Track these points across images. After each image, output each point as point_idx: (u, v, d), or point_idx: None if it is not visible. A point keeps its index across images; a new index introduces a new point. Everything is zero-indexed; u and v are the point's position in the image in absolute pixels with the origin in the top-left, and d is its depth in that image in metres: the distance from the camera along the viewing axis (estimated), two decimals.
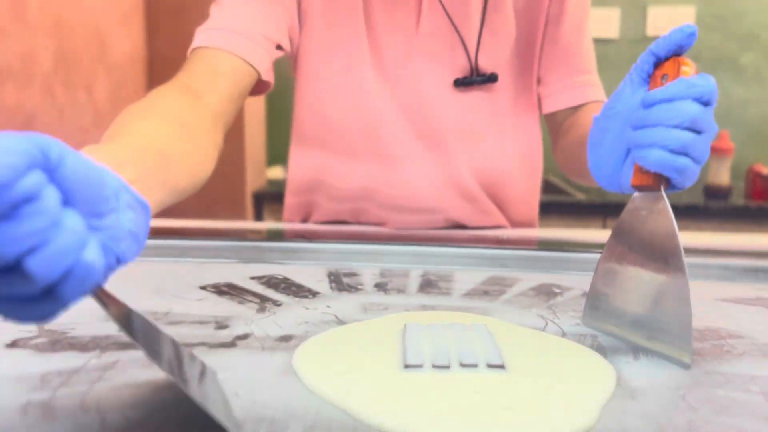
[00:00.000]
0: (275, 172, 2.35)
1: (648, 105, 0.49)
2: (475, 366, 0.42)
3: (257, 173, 2.17)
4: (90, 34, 1.78)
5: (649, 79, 0.53)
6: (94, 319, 0.52)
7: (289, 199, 1.02)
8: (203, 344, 0.47)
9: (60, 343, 0.47)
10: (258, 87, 0.82)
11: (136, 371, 0.42)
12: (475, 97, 0.92)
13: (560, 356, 0.47)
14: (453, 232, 0.94)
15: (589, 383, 0.41)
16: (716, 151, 2.05)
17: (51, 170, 0.28)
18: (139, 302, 0.58)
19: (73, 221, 0.29)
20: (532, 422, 0.36)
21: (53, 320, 0.32)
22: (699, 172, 0.51)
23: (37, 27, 1.56)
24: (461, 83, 0.91)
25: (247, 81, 0.78)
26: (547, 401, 0.39)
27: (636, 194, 0.52)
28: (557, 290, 0.66)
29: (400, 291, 0.64)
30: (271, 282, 0.66)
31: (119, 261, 0.34)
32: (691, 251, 0.79)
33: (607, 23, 2.27)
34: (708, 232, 1.48)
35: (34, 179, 0.27)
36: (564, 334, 0.52)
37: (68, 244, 0.28)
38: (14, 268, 0.28)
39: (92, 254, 0.30)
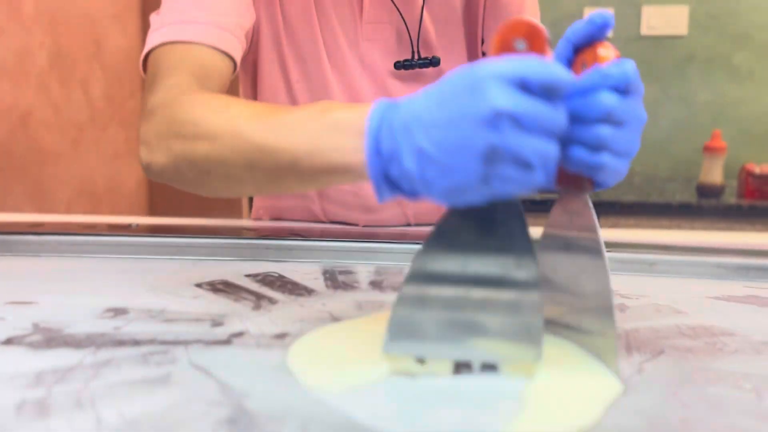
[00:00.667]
0: None
1: (567, 98, 0.44)
2: (468, 366, 0.43)
3: None
4: (85, 31, 1.78)
5: (571, 67, 0.48)
6: (89, 317, 0.52)
7: (257, 203, 1.04)
8: (199, 341, 0.47)
9: (55, 341, 0.47)
10: None
11: (131, 368, 0.42)
12: (422, 84, 0.91)
13: (558, 356, 0.47)
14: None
15: (584, 382, 0.42)
16: (709, 150, 2.06)
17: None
18: (134, 299, 0.58)
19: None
20: (529, 420, 0.36)
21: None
22: (627, 168, 0.46)
23: (33, 24, 1.55)
24: (401, 66, 0.90)
25: (228, 71, 0.75)
26: (543, 401, 0.39)
27: (562, 193, 0.49)
28: None
29: (395, 289, 0.64)
30: (266, 280, 0.66)
31: None
32: (684, 249, 0.80)
33: None
34: (700, 231, 1.49)
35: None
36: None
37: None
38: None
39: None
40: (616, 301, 0.62)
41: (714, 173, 2.05)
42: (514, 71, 0.38)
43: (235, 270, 0.70)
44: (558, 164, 0.44)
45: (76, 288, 0.62)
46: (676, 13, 2.28)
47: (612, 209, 1.99)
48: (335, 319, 0.54)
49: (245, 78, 0.96)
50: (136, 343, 0.47)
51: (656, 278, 0.72)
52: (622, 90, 0.43)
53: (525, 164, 0.38)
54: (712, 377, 0.43)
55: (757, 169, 2.03)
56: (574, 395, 0.40)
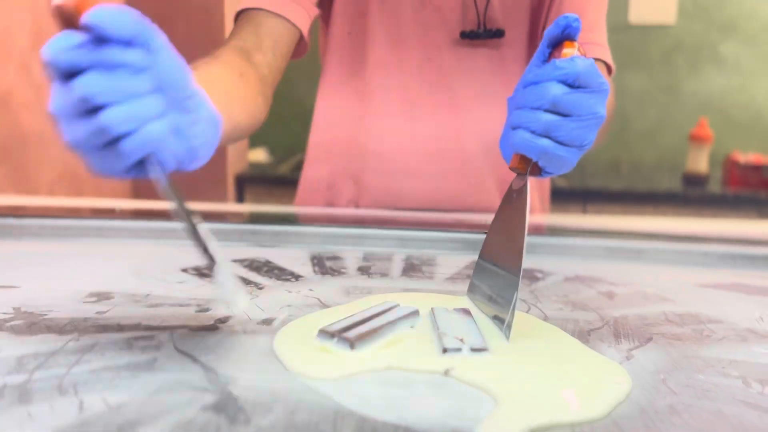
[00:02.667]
0: (257, 155, 2.33)
1: (523, 87, 0.49)
2: (458, 350, 0.42)
3: (239, 156, 2.14)
4: None
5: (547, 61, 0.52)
6: (72, 302, 0.51)
7: (313, 172, 0.99)
8: (184, 327, 0.47)
9: (37, 326, 0.46)
10: (297, 49, 0.83)
11: (114, 354, 0.41)
12: (483, 54, 0.91)
13: (547, 340, 0.47)
14: (436, 216, 0.94)
15: (571, 366, 0.42)
16: (695, 139, 2.07)
17: (153, 51, 0.37)
18: (119, 284, 0.57)
19: (155, 98, 0.37)
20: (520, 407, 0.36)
21: (131, 176, 0.39)
22: (574, 158, 0.49)
23: (13, 3, 1.52)
24: (466, 36, 0.89)
25: (290, 39, 0.80)
26: (533, 387, 0.39)
27: (514, 177, 0.52)
28: (539, 275, 0.66)
29: (384, 275, 0.64)
30: (253, 265, 0.66)
31: (191, 155, 0.41)
32: (671, 238, 0.80)
33: None
34: (686, 219, 1.50)
35: (138, 53, 0.36)
36: (546, 318, 0.52)
37: (143, 108, 0.36)
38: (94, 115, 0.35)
39: (160, 126, 0.37)
40: (604, 288, 0.62)
41: (700, 162, 2.07)
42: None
43: (222, 255, 0.69)
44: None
45: (59, 272, 0.61)
46: (664, 2, 2.28)
47: (598, 197, 2.00)
48: (323, 304, 0.54)
49: (323, 25, 0.98)
50: (120, 328, 0.46)
51: (643, 266, 0.72)
52: (571, 83, 0.46)
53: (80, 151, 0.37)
54: (700, 364, 0.44)
55: (742, 159, 2.04)
56: (569, 387, 0.40)
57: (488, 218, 0.94)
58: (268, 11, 0.78)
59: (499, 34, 0.90)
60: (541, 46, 0.50)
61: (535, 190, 1.00)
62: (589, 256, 0.75)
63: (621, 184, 2.04)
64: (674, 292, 0.61)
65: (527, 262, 0.71)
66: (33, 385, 0.36)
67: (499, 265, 0.50)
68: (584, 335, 0.48)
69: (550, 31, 0.49)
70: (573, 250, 0.76)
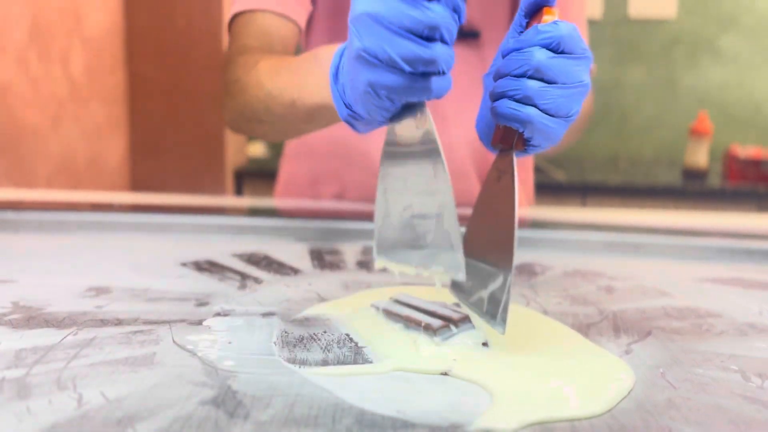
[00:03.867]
0: (256, 150, 2.33)
1: (503, 55, 0.47)
2: (457, 344, 0.42)
3: (238, 150, 2.14)
4: (65, 5, 1.74)
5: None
6: (70, 296, 0.51)
7: (293, 168, 0.98)
8: (183, 321, 0.47)
9: (35, 320, 0.46)
10: None
11: (113, 348, 0.41)
12: (462, 55, 0.88)
13: (549, 335, 0.47)
14: None
15: (572, 361, 0.42)
16: (695, 133, 2.07)
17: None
18: (118, 278, 0.57)
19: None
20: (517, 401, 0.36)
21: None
22: (561, 130, 0.46)
23: None
24: (462, 35, 0.88)
25: (295, 37, 0.80)
26: (533, 383, 0.39)
27: (498, 152, 0.48)
28: (538, 269, 0.66)
29: (383, 269, 0.64)
30: (252, 259, 0.66)
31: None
32: (670, 232, 0.80)
33: (590, 4, 2.26)
34: (686, 213, 1.50)
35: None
36: (546, 313, 0.52)
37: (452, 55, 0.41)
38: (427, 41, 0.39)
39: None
40: (603, 282, 0.62)
41: (699, 156, 2.06)
42: None
43: (221, 249, 0.69)
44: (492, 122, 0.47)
45: (57, 266, 0.61)
46: None
47: (597, 191, 2.00)
48: (322, 299, 0.54)
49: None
50: (119, 322, 0.46)
51: (643, 260, 0.72)
52: (554, 48, 0.44)
53: (391, 65, 0.40)
54: (699, 358, 0.44)
55: (741, 153, 2.04)
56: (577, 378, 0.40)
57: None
58: (268, 11, 0.77)
59: (473, 35, 0.89)
60: (517, 17, 0.48)
61: (519, 184, 1.00)
62: (588, 251, 0.75)
63: (620, 178, 2.04)
64: (673, 286, 0.61)
65: (525, 256, 0.71)
66: (32, 380, 0.36)
67: (486, 259, 0.46)
68: (583, 329, 0.48)
69: (526, 1, 0.47)
70: (572, 244, 0.76)
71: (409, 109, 0.43)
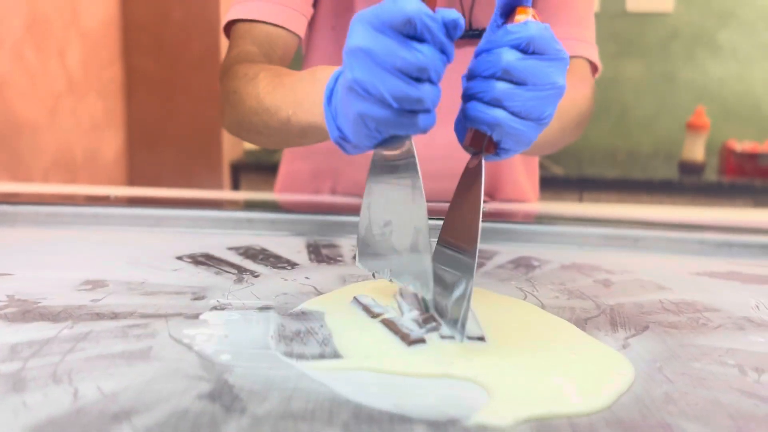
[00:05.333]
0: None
1: (475, 55, 0.46)
2: (453, 338, 0.42)
3: (234, 143, 2.14)
4: None
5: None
6: (66, 289, 0.51)
7: (293, 167, 0.98)
8: (180, 315, 0.46)
9: (31, 313, 0.45)
10: None
11: (109, 342, 0.41)
12: (469, 54, 0.89)
13: (552, 331, 0.47)
14: (431, 205, 0.93)
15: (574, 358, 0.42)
16: (692, 128, 2.07)
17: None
18: (114, 271, 0.56)
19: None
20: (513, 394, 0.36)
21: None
22: (532, 133, 0.45)
23: None
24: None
25: (293, 46, 0.82)
26: (531, 377, 0.39)
27: (470, 153, 0.48)
28: (536, 263, 0.66)
29: None
30: (248, 253, 0.65)
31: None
32: (668, 226, 0.80)
33: None
34: (682, 207, 1.50)
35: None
36: (543, 307, 0.52)
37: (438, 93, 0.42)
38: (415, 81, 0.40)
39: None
40: (601, 276, 0.62)
41: (696, 150, 2.06)
42: (372, 13, 0.41)
43: (217, 243, 0.69)
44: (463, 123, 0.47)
45: (53, 260, 0.61)
46: None
47: (595, 185, 2.00)
48: (318, 292, 0.53)
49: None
50: (115, 316, 0.46)
51: (640, 254, 0.72)
52: (524, 49, 0.43)
53: (381, 100, 0.41)
54: (696, 353, 0.44)
55: (738, 147, 2.04)
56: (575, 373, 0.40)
57: (482, 206, 0.94)
58: (268, 23, 0.78)
59: (479, 34, 0.86)
60: (494, 16, 0.47)
61: (526, 178, 1.00)
62: (586, 244, 0.75)
63: (617, 172, 2.04)
64: (670, 280, 0.61)
65: (522, 250, 0.71)
66: (27, 374, 0.36)
67: (451, 264, 0.45)
68: (581, 323, 0.48)
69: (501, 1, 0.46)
70: (569, 238, 0.76)
71: (395, 138, 0.44)
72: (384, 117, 0.41)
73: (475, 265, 0.43)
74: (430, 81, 0.41)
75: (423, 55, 0.40)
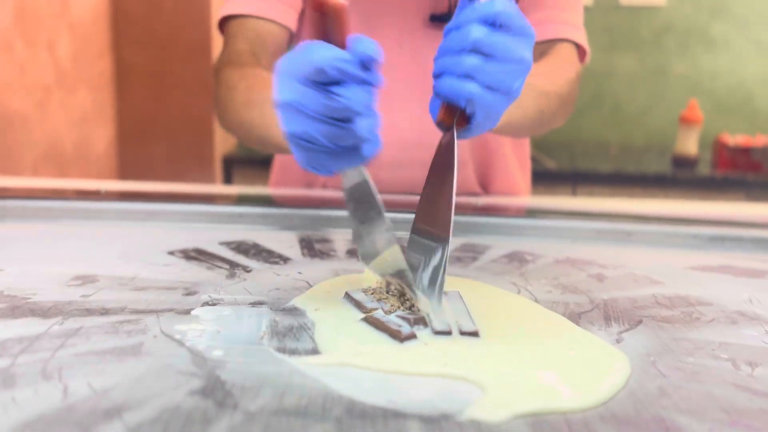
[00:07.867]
0: None
1: (445, 34, 0.48)
2: (448, 333, 0.42)
3: (226, 136, 2.13)
4: None
5: None
6: (56, 285, 0.51)
7: (286, 159, 0.97)
8: (171, 310, 0.46)
9: (20, 309, 0.45)
10: None
11: (100, 338, 0.41)
12: (434, 40, 0.87)
13: (539, 323, 0.47)
14: (402, 198, 0.93)
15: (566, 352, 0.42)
16: (685, 121, 2.07)
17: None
18: (104, 267, 0.56)
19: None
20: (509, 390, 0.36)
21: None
22: (501, 106, 0.47)
23: None
24: (437, 19, 0.86)
25: (285, 39, 0.83)
26: (527, 372, 0.39)
27: (443, 134, 0.49)
28: (529, 257, 0.66)
29: None
30: (241, 247, 0.65)
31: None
32: (660, 220, 0.80)
33: None
34: (675, 201, 1.50)
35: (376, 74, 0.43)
36: (537, 301, 0.52)
37: (377, 122, 0.43)
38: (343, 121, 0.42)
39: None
40: (594, 270, 0.62)
41: (689, 144, 2.07)
42: (291, 64, 0.43)
43: (209, 237, 0.68)
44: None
45: (43, 255, 0.60)
46: None
47: (588, 179, 2.00)
48: (312, 287, 0.53)
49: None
50: (106, 311, 0.45)
51: (633, 248, 0.72)
52: (492, 23, 0.45)
53: (321, 146, 0.43)
54: (690, 347, 0.44)
55: (731, 141, 2.05)
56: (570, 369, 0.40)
57: (468, 199, 0.94)
58: (260, 17, 0.80)
59: (446, 18, 0.86)
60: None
61: (518, 170, 0.99)
62: (579, 239, 0.74)
63: (610, 166, 2.04)
64: (664, 274, 0.61)
65: (515, 244, 0.71)
66: (17, 370, 0.36)
67: (426, 236, 0.47)
68: (575, 318, 0.48)
69: None
70: (562, 232, 0.76)
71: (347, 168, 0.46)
72: (327, 158, 0.44)
73: (451, 231, 0.45)
74: (363, 113, 0.42)
75: (344, 97, 0.41)
